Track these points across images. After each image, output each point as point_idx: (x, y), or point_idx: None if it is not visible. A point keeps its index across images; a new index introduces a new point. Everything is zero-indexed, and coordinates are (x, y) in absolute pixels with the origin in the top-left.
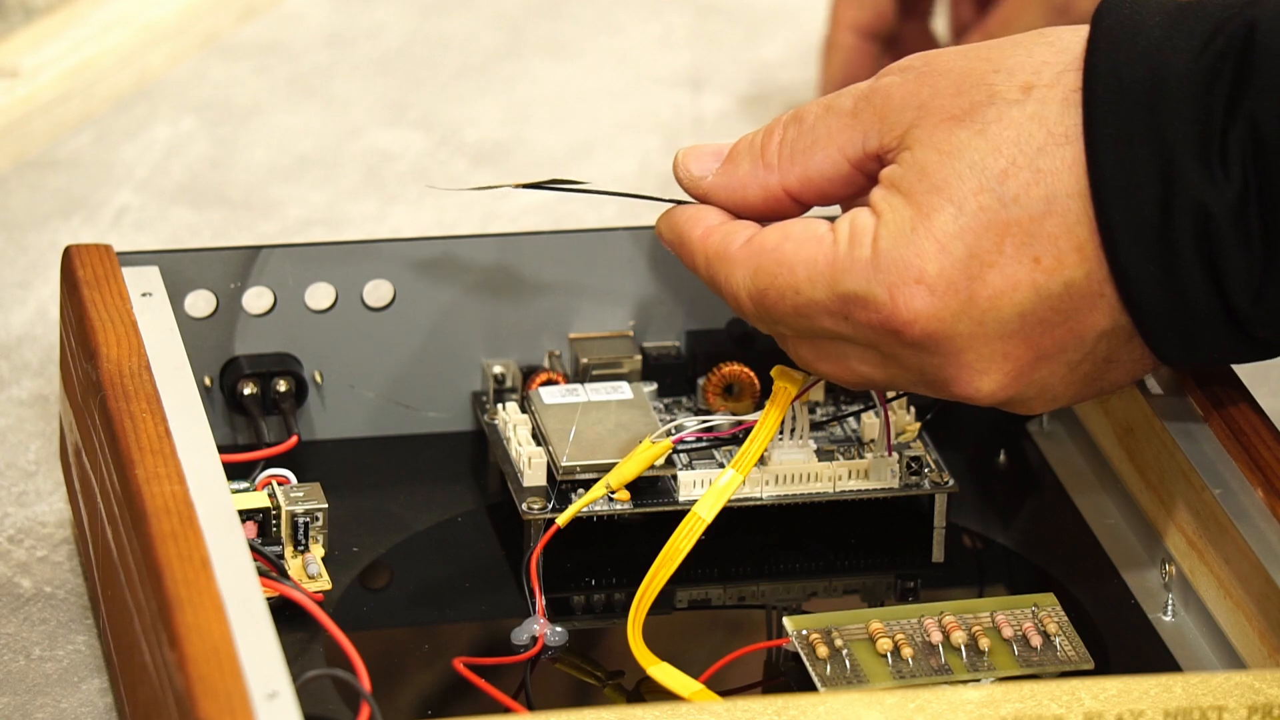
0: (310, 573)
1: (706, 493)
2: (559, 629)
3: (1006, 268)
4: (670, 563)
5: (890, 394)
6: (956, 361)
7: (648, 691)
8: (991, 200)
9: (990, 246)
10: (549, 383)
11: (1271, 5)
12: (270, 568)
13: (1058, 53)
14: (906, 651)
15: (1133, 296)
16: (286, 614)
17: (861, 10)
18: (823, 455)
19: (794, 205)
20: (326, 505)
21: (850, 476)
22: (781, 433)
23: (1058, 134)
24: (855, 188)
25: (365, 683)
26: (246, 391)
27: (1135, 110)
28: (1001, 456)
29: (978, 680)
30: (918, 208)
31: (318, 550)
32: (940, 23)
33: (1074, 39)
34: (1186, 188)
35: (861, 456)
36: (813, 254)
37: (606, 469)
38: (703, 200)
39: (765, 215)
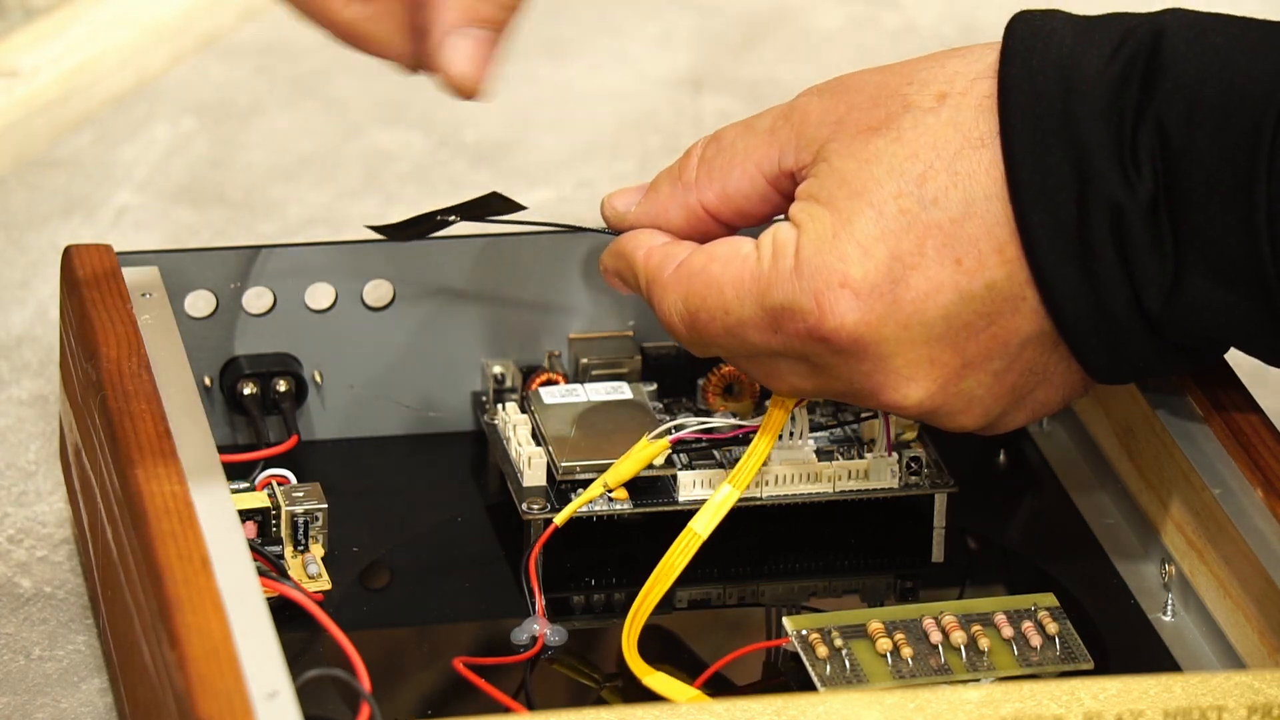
0: (310, 573)
1: (703, 508)
2: (559, 629)
3: (929, 270)
4: (665, 579)
5: None
6: (885, 368)
7: (647, 691)
8: (911, 203)
9: (912, 249)
10: (549, 383)
11: (1178, 14)
12: (270, 568)
13: (970, 63)
14: (906, 651)
15: (1053, 297)
16: (286, 614)
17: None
18: (822, 455)
19: (715, 224)
20: (326, 505)
21: (850, 477)
22: (781, 434)
23: (973, 138)
24: (771, 205)
25: (365, 683)
26: (246, 391)
27: (1049, 112)
28: (1001, 456)
29: (977, 680)
30: (838, 214)
31: (318, 550)
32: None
33: (986, 51)
34: (1101, 186)
35: (861, 456)
36: (738, 272)
37: (606, 469)
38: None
39: (690, 236)
